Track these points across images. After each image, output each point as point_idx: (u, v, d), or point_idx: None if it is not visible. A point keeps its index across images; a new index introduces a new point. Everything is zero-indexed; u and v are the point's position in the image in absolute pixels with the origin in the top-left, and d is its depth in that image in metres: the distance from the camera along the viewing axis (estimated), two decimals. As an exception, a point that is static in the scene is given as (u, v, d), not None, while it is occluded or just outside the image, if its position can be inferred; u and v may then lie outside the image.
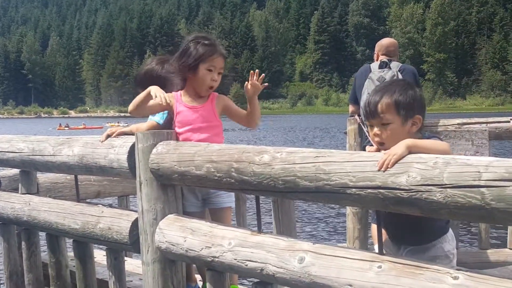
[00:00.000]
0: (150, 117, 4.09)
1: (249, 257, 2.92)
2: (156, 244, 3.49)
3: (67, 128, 70.13)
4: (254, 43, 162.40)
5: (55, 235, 4.59)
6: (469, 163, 2.15)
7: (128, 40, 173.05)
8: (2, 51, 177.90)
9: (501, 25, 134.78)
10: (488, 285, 2.11)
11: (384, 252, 2.60)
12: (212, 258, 3.14)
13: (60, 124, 74.33)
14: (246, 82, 3.76)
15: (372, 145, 2.93)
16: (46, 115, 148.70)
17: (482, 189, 2.06)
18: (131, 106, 3.79)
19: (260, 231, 3.06)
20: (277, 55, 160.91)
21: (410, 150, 2.43)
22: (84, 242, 4.31)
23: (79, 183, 4.68)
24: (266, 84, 3.89)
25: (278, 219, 4.70)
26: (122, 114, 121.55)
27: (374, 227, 5.97)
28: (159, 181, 3.50)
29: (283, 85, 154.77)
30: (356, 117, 6.71)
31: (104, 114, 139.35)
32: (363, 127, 6.48)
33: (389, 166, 2.35)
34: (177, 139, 3.69)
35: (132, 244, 3.77)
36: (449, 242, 2.99)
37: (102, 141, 3.93)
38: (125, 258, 4.42)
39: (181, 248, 3.33)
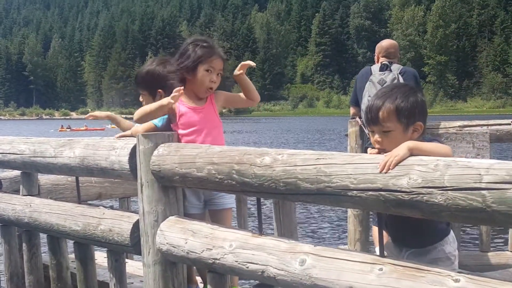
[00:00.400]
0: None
1: (250, 259, 2.92)
2: (157, 246, 3.49)
3: (69, 129, 70.12)
4: (256, 45, 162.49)
5: (56, 236, 4.59)
6: (470, 166, 2.14)
7: (129, 42, 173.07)
8: (4, 53, 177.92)
9: (502, 27, 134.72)
10: (489, 288, 2.11)
11: (386, 254, 2.60)
12: (213, 260, 3.14)
13: (62, 126, 74.32)
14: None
15: (373, 147, 2.92)
16: (47, 117, 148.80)
17: (483, 192, 2.06)
18: (138, 115, 3.78)
19: (261, 233, 3.06)
20: (278, 57, 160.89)
21: (412, 153, 2.43)
22: (85, 243, 4.31)
23: (80, 184, 4.68)
24: (252, 63, 3.92)
25: (279, 221, 4.69)
26: (124, 116, 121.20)
27: (375, 229, 5.97)
28: (160, 183, 3.50)
29: (284, 87, 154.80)
30: (357, 119, 6.71)
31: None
32: (364, 129, 6.48)
33: (390, 167, 2.35)
34: (179, 141, 3.70)
35: (133, 246, 3.77)
36: (450, 244, 2.99)
37: (86, 118, 4.09)
38: (126, 260, 4.42)
39: (182, 250, 3.33)
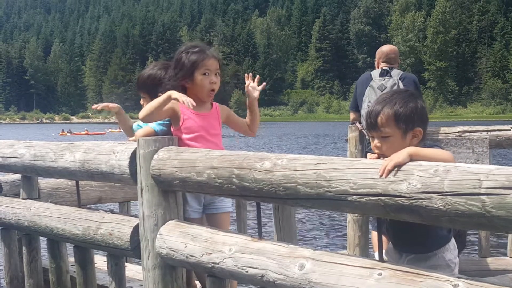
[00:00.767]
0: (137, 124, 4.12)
1: (250, 263, 2.93)
2: (157, 250, 3.49)
3: (70, 134, 70.15)
4: (256, 50, 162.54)
5: (56, 240, 4.59)
6: (470, 171, 2.15)
7: (130, 46, 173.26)
8: (4, 57, 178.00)
9: (502, 33, 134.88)
10: (488, 293, 2.11)
11: (385, 259, 2.60)
12: (212, 265, 3.14)
13: (63, 130, 74.40)
14: (246, 84, 3.83)
15: (373, 152, 2.93)
16: (48, 121, 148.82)
17: (483, 197, 2.06)
18: (145, 112, 3.75)
19: (260, 237, 3.06)
20: (278, 62, 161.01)
21: (412, 158, 2.43)
22: (85, 247, 4.31)
23: (80, 188, 4.68)
24: (264, 84, 3.97)
25: (279, 225, 4.70)
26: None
27: (374, 234, 5.96)
28: (160, 187, 3.50)
29: (285, 92, 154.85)
30: (357, 124, 6.71)
31: (106, 120, 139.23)
32: (364, 133, 6.49)
33: (389, 169, 2.35)
34: (181, 145, 3.70)
35: (133, 250, 3.77)
36: (450, 251, 2.99)
37: (94, 108, 4.10)
38: (126, 264, 4.42)
39: (181, 254, 3.33)
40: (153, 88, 4.11)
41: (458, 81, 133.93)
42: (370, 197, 2.40)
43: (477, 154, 5.97)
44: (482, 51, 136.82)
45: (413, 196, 2.25)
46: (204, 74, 3.82)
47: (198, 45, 3.94)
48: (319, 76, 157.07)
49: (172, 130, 3.89)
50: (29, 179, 5.00)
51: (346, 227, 6.96)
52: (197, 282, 4.24)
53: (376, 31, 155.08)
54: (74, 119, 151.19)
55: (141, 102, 4.32)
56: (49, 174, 4.61)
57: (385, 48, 6.89)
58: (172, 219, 3.52)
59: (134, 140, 3.94)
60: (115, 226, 3.92)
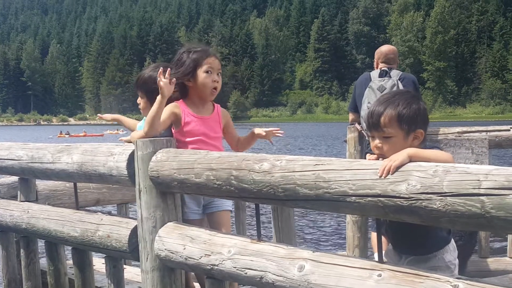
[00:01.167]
0: (141, 124, 4.10)
1: (249, 265, 2.92)
2: (155, 252, 3.48)
3: (68, 135, 70.15)
4: (254, 51, 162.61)
5: (54, 242, 4.58)
6: (469, 172, 2.14)
7: (128, 47, 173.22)
8: (1, 59, 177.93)
9: (501, 33, 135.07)
10: (488, 294, 2.11)
11: (385, 260, 2.60)
12: (211, 266, 3.13)
13: (61, 132, 74.38)
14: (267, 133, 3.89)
15: (373, 153, 2.92)
16: (45, 123, 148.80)
17: (482, 198, 2.06)
18: (147, 127, 3.66)
19: (259, 239, 3.05)
20: (277, 63, 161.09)
21: (412, 159, 2.42)
22: (83, 249, 4.30)
23: (78, 190, 4.67)
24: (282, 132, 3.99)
25: (278, 227, 4.69)
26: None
27: (374, 235, 5.96)
28: (159, 189, 3.49)
29: (283, 93, 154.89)
30: (356, 125, 6.71)
31: (104, 122, 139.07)
32: (364, 134, 6.48)
33: (390, 172, 2.35)
34: (180, 148, 3.69)
35: (131, 252, 3.76)
36: (450, 252, 2.98)
37: (100, 117, 4.10)
38: (124, 266, 4.41)
39: (180, 256, 3.32)
40: (152, 89, 4.10)
41: (457, 81, 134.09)
42: (369, 198, 2.39)
43: (477, 155, 5.96)
44: (481, 51, 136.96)
45: (412, 197, 2.25)
46: (207, 72, 3.80)
47: (199, 46, 3.93)
48: (317, 76, 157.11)
49: (173, 132, 3.86)
50: (26, 181, 4.99)
51: (345, 228, 6.96)
52: (197, 284, 4.23)
53: (375, 31, 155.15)
54: (71, 120, 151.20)
55: (138, 101, 4.31)
56: (46, 176, 4.60)
57: (384, 48, 6.88)
58: (170, 221, 3.52)
59: (131, 142, 3.93)
60: (113, 228, 3.91)
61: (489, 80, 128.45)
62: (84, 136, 68.76)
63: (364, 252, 6.70)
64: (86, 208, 5.06)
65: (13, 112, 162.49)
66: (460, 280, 2.20)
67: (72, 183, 4.70)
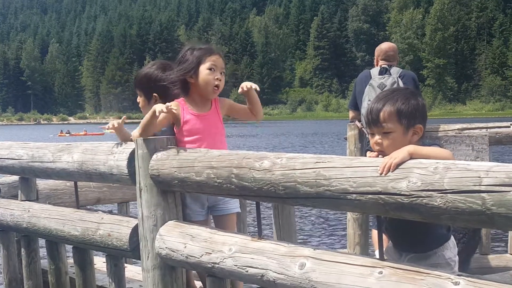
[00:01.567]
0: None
1: (250, 263, 2.92)
2: (156, 250, 3.48)
3: (68, 134, 70.11)
4: (254, 49, 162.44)
5: (55, 241, 4.58)
6: (470, 168, 2.14)
7: (127, 46, 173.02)
8: (1, 58, 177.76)
9: (501, 30, 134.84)
10: (489, 291, 2.10)
11: (385, 258, 2.60)
12: (212, 265, 3.13)
13: (62, 131, 74.31)
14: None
15: (373, 150, 2.92)
16: (45, 122, 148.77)
17: (483, 194, 2.06)
18: (139, 131, 3.67)
19: (260, 237, 3.05)
20: (277, 61, 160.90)
21: (412, 156, 2.43)
22: (84, 248, 4.30)
23: (78, 189, 4.67)
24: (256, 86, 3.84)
25: (279, 224, 4.69)
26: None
27: (374, 232, 5.96)
28: (159, 187, 3.49)
29: (283, 91, 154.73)
30: (357, 122, 6.70)
31: (104, 121, 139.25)
32: (364, 131, 6.48)
33: (390, 169, 2.35)
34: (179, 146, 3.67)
35: (132, 251, 3.76)
36: (450, 249, 2.98)
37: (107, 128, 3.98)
38: (125, 264, 4.41)
39: (181, 255, 3.32)
40: (148, 87, 4.09)
41: (457, 78, 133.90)
42: (370, 196, 2.39)
43: (477, 151, 5.96)
44: (481, 48, 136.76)
45: (413, 194, 2.25)
46: (210, 69, 3.74)
47: (204, 44, 3.90)
48: (317, 74, 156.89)
49: (175, 131, 3.83)
50: (27, 180, 4.99)
51: (346, 225, 6.96)
52: (199, 283, 4.23)
53: (374, 28, 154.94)
54: (71, 119, 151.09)
55: (138, 100, 4.30)
56: (47, 175, 4.60)
57: (384, 46, 6.88)
58: (171, 219, 3.52)
59: (132, 141, 3.92)
60: (114, 227, 3.92)
61: (489, 77, 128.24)
62: (85, 135, 68.68)
63: (365, 249, 6.69)
64: (86, 207, 5.06)
65: (13, 111, 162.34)
66: (461, 277, 2.20)
67: (73, 182, 4.70)
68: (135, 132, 3.91)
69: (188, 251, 3.28)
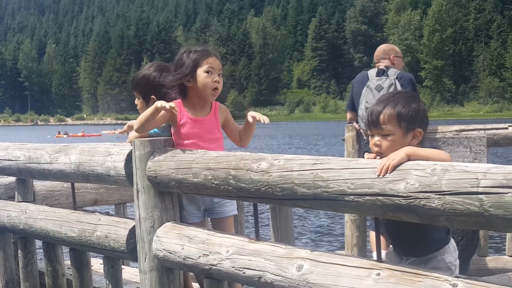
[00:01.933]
0: None
1: (247, 265, 2.91)
2: (154, 252, 3.47)
3: (66, 135, 70.10)
4: (252, 50, 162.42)
5: (52, 243, 4.57)
6: (467, 170, 2.14)
7: (125, 47, 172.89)
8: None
9: (499, 32, 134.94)
10: (487, 293, 2.10)
11: (384, 261, 2.59)
12: (210, 266, 3.13)
13: (59, 132, 74.33)
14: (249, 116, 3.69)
15: (371, 151, 2.92)
16: (42, 123, 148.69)
17: (481, 196, 2.06)
18: (137, 124, 3.66)
19: (258, 238, 3.04)
20: (274, 62, 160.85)
21: (410, 158, 2.43)
22: (81, 250, 4.29)
23: (76, 191, 4.66)
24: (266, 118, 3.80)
25: (276, 226, 4.69)
26: (119, 122, 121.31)
27: (372, 234, 5.96)
28: (157, 189, 3.49)
29: (281, 92, 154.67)
30: (354, 124, 6.70)
31: (101, 122, 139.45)
32: (362, 132, 6.48)
33: (388, 171, 2.35)
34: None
35: (129, 252, 3.76)
36: (450, 253, 2.98)
37: (120, 132, 3.95)
38: (122, 266, 4.41)
39: (178, 256, 3.31)
40: (145, 89, 4.07)
41: (455, 79, 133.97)
42: (368, 197, 2.39)
43: (475, 153, 5.96)
44: (479, 49, 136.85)
45: (410, 196, 2.24)
46: (207, 72, 3.70)
47: (200, 46, 3.87)
48: (315, 75, 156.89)
49: (172, 132, 3.80)
50: (24, 181, 4.98)
51: (343, 227, 6.96)
52: (196, 285, 4.22)
53: (372, 30, 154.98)
54: (69, 120, 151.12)
55: (136, 102, 4.29)
56: (44, 177, 4.59)
57: (381, 46, 6.89)
58: (168, 221, 3.51)
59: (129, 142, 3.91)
60: (111, 229, 3.91)
61: (487, 79, 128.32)
62: (83, 136, 68.74)
63: (362, 251, 6.69)
64: (83, 208, 5.05)
65: (10, 112, 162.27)
66: (459, 279, 2.20)
67: (70, 183, 4.69)
68: (132, 134, 3.90)
69: (186, 252, 3.27)
